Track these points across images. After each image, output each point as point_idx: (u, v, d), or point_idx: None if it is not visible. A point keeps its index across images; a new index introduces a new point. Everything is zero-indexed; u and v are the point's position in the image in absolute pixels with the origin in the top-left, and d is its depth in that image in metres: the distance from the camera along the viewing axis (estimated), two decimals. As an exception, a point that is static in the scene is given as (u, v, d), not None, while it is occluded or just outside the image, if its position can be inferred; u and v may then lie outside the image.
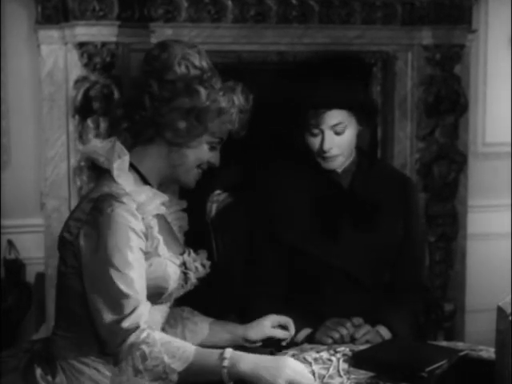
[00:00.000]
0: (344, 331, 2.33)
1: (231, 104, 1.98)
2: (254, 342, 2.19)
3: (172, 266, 1.98)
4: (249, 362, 1.85)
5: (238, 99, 1.99)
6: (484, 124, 4.28)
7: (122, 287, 1.85)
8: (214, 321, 2.21)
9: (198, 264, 2.06)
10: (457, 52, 3.97)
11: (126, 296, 1.86)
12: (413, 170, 4.01)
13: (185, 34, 3.58)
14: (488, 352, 2.16)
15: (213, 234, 2.68)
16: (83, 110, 3.53)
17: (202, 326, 2.18)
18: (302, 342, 2.35)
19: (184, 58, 1.97)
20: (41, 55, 3.56)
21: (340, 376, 2.04)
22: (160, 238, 1.95)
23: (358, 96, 2.42)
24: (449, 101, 3.99)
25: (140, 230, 1.91)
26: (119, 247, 1.87)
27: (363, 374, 2.05)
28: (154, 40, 3.57)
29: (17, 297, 3.61)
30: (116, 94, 3.53)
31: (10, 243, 3.65)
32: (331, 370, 2.07)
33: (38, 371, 1.97)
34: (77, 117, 3.54)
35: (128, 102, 2.01)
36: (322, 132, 2.40)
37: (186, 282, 2.03)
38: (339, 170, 2.48)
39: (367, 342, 2.33)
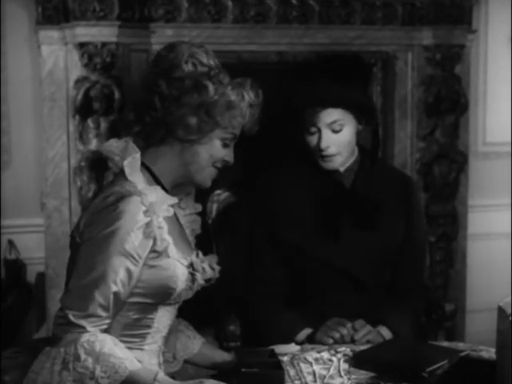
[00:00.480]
0: (344, 331, 2.33)
1: (241, 98, 1.98)
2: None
3: (180, 268, 1.97)
4: None
5: (248, 94, 1.99)
6: (484, 124, 4.28)
7: (97, 294, 1.84)
8: (205, 343, 2.20)
9: (206, 265, 2.06)
10: (457, 52, 3.97)
11: (95, 302, 1.84)
12: (413, 170, 4.01)
13: (185, 35, 3.58)
14: (489, 352, 2.16)
15: (213, 234, 2.68)
16: (83, 110, 3.53)
17: (194, 342, 2.18)
18: (303, 342, 2.36)
19: (191, 56, 1.97)
20: (41, 55, 3.56)
21: (341, 376, 2.04)
22: (170, 239, 1.95)
23: (351, 94, 2.42)
24: (449, 101, 3.99)
25: (143, 229, 1.90)
26: (119, 248, 1.87)
27: (364, 374, 2.05)
28: (154, 40, 3.58)
29: (17, 297, 3.61)
30: (116, 94, 3.53)
31: (11, 243, 3.65)
32: (332, 370, 2.08)
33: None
34: (77, 117, 3.54)
35: (138, 105, 2.01)
36: (319, 130, 2.40)
37: (193, 283, 2.03)
38: (341, 169, 2.48)
39: (368, 342, 2.33)
